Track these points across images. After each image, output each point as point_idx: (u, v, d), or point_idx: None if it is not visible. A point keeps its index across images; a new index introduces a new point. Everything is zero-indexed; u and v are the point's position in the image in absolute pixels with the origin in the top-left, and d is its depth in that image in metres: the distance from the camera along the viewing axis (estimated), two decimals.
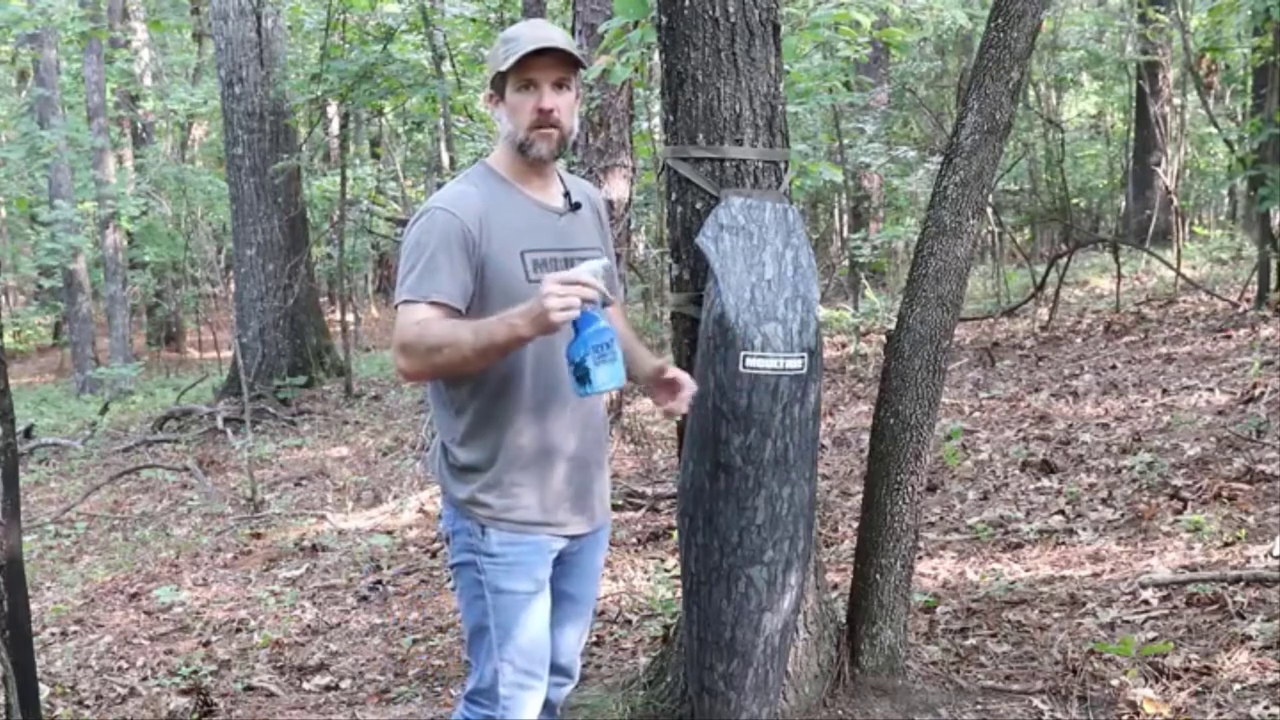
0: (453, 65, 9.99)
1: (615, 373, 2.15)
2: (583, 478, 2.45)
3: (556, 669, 2.56)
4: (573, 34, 7.48)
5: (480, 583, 2.39)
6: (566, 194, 2.48)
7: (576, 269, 2.15)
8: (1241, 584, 3.73)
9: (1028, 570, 4.26)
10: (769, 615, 2.70)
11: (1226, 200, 15.38)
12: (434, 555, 5.37)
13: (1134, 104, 13.48)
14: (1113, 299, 9.33)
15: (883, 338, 7.42)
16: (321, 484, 7.32)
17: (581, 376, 2.15)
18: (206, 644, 4.57)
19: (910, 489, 3.19)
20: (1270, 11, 7.36)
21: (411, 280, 2.28)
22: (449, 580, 2.17)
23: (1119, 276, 9.41)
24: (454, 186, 2.41)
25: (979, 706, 3.17)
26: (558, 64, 2.34)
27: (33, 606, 4.10)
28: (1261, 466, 4.75)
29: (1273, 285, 8.00)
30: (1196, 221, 14.52)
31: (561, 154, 2.43)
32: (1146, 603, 3.77)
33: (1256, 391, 5.73)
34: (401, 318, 2.28)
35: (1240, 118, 10.71)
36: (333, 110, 14.72)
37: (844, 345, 9.44)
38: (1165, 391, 6.29)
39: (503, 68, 2.34)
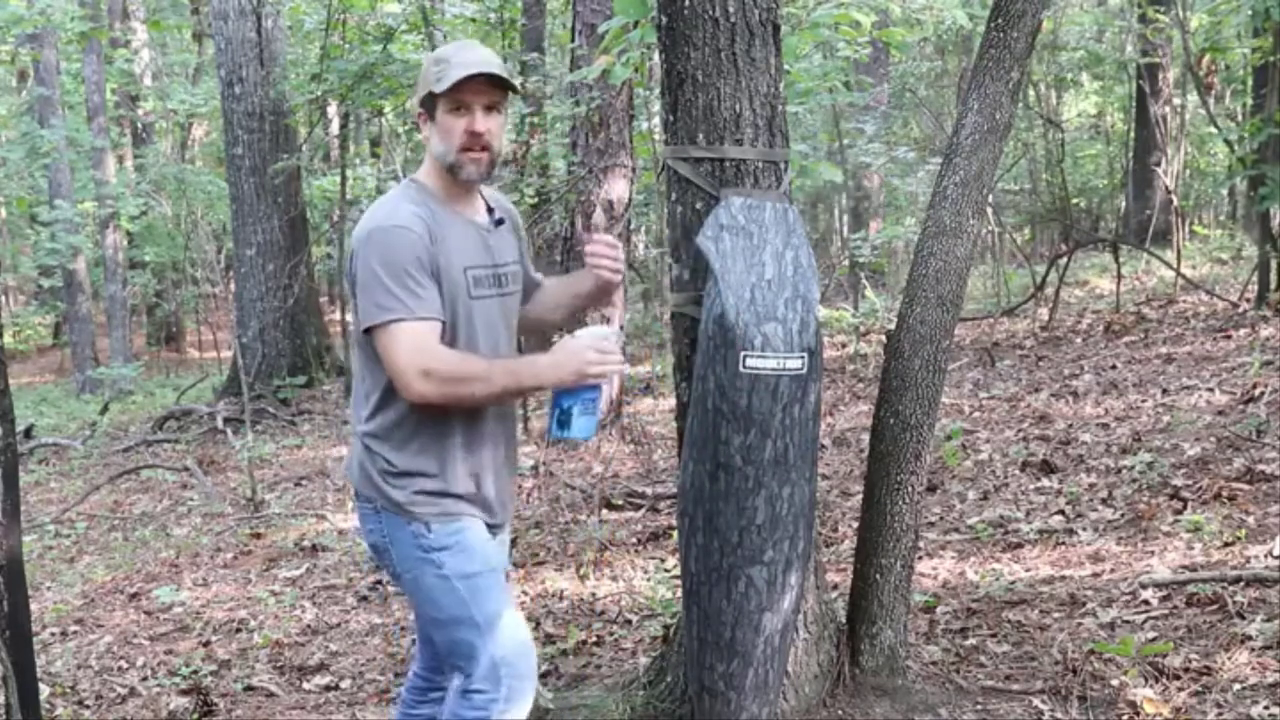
0: None
1: (590, 425, 2.38)
2: (501, 480, 2.53)
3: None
4: (572, 34, 7.49)
5: (446, 576, 2.41)
6: (490, 210, 2.56)
7: (609, 339, 2.35)
8: (1241, 584, 3.73)
9: (1028, 570, 4.26)
10: (769, 615, 2.70)
11: (1226, 200, 15.36)
12: None
13: (1134, 104, 13.46)
14: (1113, 299, 9.33)
15: (883, 338, 7.43)
16: (321, 484, 7.32)
17: (563, 421, 2.36)
18: (206, 644, 4.57)
19: (910, 489, 3.19)
20: (1270, 11, 7.36)
21: (405, 298, 2.29)
22: (396, 593, 2.18)
23: (1119, 276, 9.40)
24: (400, 205, 2.39)
25: (979, 706, 3.17)
26: (490, 88, 2.38)
27: (33, 606, 4.10)
28: (1261, 466, 4.75)
29: (1273, 285, 8.00)
30: (1196, 221, 14.50)
31: (491, 176, 2.48)
32: (1146, 603, 3.77)
33: (1256, 391, 5.73)
34: (409, 339, 2.29)
35: (1240, 118, 10.69)
36: (333, 110, 14.69)
37: (844, 345, 9.44)
38: (1165, 391, 6.29)
39: (436, 89, 2.36)
